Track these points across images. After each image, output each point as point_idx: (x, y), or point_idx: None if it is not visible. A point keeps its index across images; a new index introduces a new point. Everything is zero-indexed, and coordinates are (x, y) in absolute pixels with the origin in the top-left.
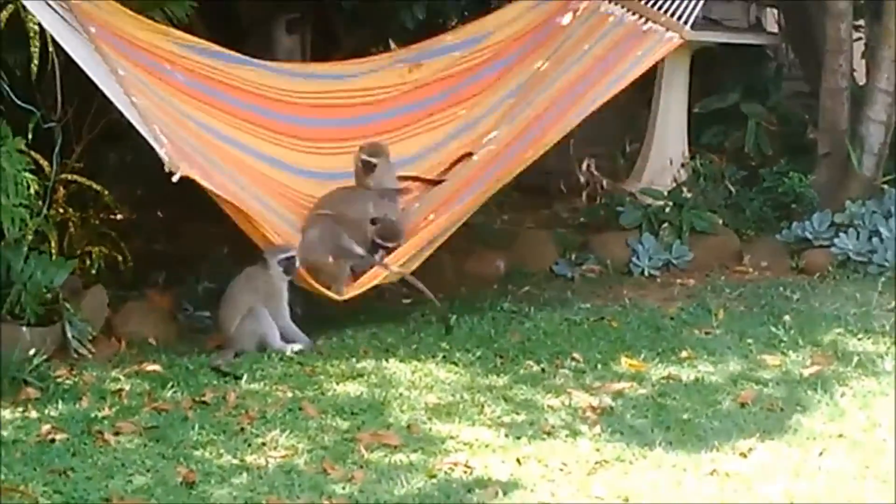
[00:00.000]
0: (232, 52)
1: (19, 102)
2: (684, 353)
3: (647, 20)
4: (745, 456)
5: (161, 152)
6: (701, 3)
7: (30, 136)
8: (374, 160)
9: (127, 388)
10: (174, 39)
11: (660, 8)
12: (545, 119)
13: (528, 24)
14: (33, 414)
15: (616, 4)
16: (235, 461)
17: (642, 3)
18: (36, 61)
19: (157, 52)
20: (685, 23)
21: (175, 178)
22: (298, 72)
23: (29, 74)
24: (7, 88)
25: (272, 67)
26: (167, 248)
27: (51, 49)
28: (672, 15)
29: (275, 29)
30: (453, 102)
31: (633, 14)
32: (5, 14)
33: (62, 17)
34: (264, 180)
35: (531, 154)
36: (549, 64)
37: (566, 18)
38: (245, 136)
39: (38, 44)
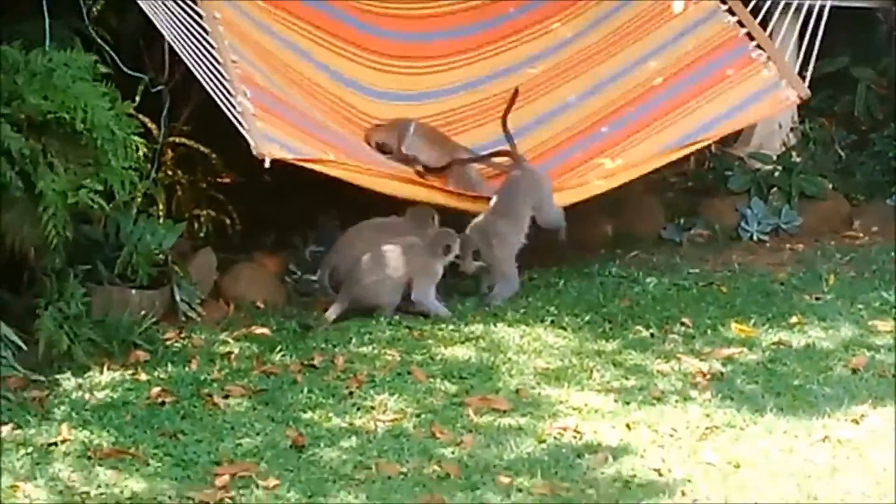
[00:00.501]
0: None
1: (126, 70)
2: (794, 319)
3: (769, 58)
4: (857, 423)
5: (248, 136)
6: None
7: (138, 100)
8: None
9: (236, 351)
10: None
11: None
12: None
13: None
14: (143, 377)
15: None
16: (344, 424)
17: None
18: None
19: None
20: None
21: (267, 164)
22: None
23: (137, 38)
24: (114, 54)
25: None
26: (275, 212)
27: None
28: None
29: None
30: (540, 17)
31: (763, 55)
32: None
33: None
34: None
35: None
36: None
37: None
38: (324, 53)
39: None
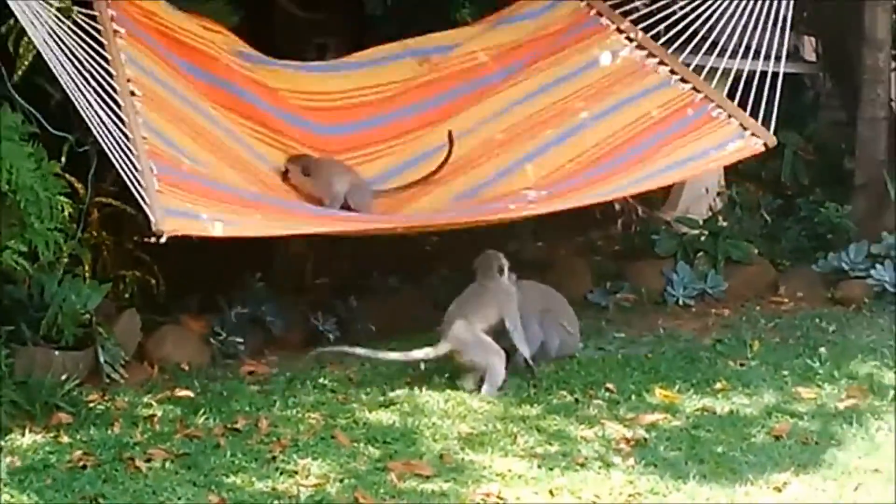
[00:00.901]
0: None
1: (53, 131)
2: (719, 385)
3: (729, 115)
4: (779, 490)
5: (148, 212)
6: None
7: (64, 160)
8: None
9: (159, 413)
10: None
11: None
12: (587, 173)
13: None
14: (65, 439)
15: (698, 93)
16: (267, 489)
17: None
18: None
19: (202, 51)
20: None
21: (162, 240)
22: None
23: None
24: (38, 116)
25: (293, 66)
26: (201, 273)
27: None
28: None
29: (306, 53)
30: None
31: (724, 113)
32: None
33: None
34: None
35: (571, 202)
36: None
37: (604, 59)
38: (252, 139)
39: None
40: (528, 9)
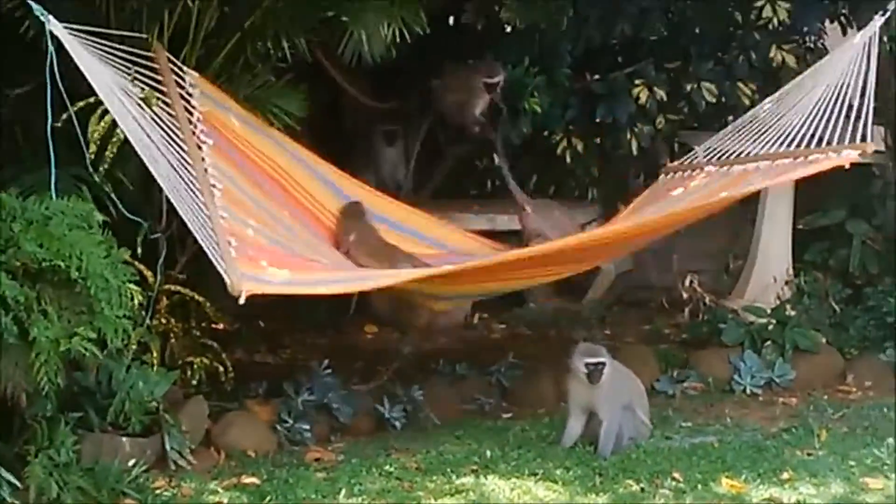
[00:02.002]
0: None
1: (129, 215)
2: (786, 475)
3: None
4: None
5: (225, 275)
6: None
7: (138, 248)
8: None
9: (225, 500)
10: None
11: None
12: None
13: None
14: None
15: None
16: None
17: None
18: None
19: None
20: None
21: (242, 300)
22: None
23: (139, 186)
24: (116, 200)
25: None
26: (268, 359)
27: None
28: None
29: (376, 141)
30: None
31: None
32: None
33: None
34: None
35: None
36: None
37: None
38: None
39: None
40: None
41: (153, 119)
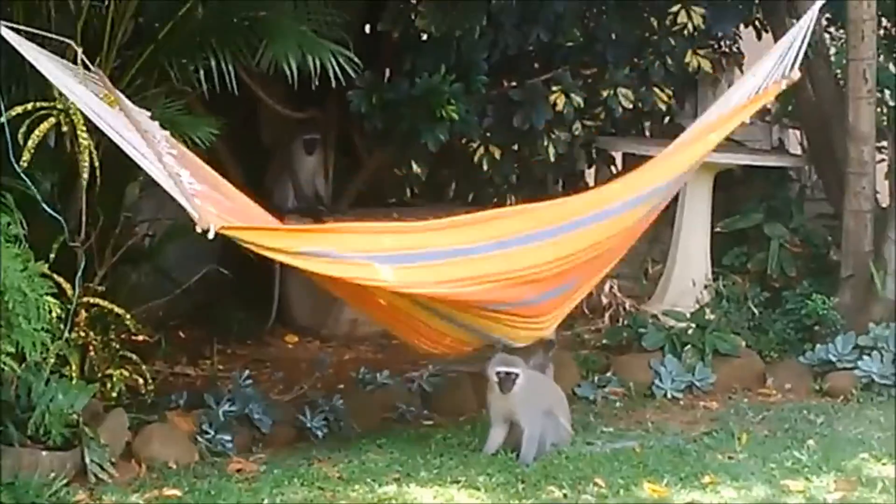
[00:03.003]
0: None
1: (53, 213)
2: (707, 479)
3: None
4: None
5: (190, 210)
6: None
7: (52, 258)
8: None
9: None
10: None
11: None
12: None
13: None
14: None
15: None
16: None
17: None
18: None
19: None
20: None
21: (211, 236)
22: None
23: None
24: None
25: None
26: (188, 370)
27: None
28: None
29: (295, 150)
30: None
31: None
32: (45, 126)
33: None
34: None
35: None
36: None
37: None
38: None
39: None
40: None
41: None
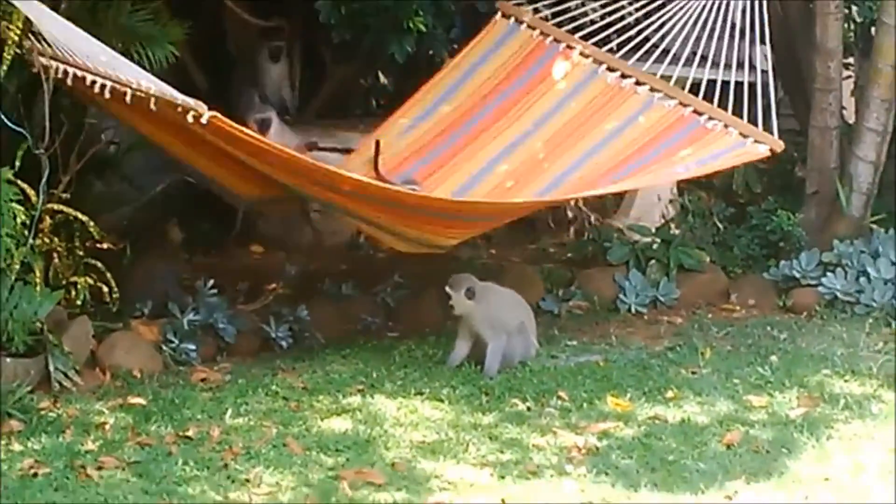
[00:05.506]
0: None
1: (12, 126)
2: (670, 393)
3: (726, 125)
4: (730, 499)
5: (182, 98)
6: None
7: (17, 165)
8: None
9: (111, 421)
10: None
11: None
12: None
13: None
14: (16, 447)
15: (685, 107)
16: (219, 497)
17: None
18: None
19: None
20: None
21: (204, 120)
22: None
23: (20, 101)
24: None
25: None
26: (152, 279)
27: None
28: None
29: (260, 58)
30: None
31: (719, 124)
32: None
33: None
34: None
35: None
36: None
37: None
38: None
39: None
40: (481, 52)
41: None
